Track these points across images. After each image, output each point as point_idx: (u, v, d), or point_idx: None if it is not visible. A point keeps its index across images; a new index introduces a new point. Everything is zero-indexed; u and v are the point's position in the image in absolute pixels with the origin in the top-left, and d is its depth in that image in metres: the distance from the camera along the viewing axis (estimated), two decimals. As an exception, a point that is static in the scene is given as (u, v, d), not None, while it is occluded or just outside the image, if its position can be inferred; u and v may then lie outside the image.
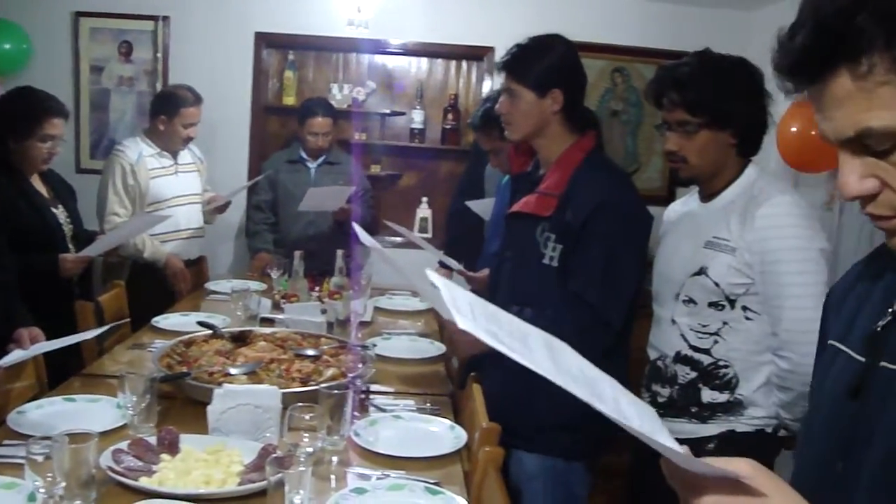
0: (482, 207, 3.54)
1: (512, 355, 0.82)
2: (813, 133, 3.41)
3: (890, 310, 0.93)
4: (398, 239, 4.65)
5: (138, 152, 3.79)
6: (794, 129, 3.45)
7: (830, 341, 1.05)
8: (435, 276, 1.00)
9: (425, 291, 2.50)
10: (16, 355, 2.17)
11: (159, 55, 4.73)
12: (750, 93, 1.93)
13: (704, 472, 0.82)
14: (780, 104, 3.55)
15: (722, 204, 1.97)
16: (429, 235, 4.91)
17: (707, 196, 2.03)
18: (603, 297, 2.05)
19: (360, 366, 2.36)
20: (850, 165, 0.85)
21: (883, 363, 0.91)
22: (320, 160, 4.33)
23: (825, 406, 1.02)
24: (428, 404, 2.32)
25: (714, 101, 1.91)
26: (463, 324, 0.85)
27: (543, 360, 0.87)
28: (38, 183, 3.21)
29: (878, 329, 0.93)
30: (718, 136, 1.93)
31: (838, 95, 0.82)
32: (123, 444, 1.74)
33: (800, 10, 0.85)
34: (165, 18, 4.71)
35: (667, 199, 3.97)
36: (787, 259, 1.83)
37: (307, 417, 1.78)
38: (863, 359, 0.95)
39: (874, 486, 0.90)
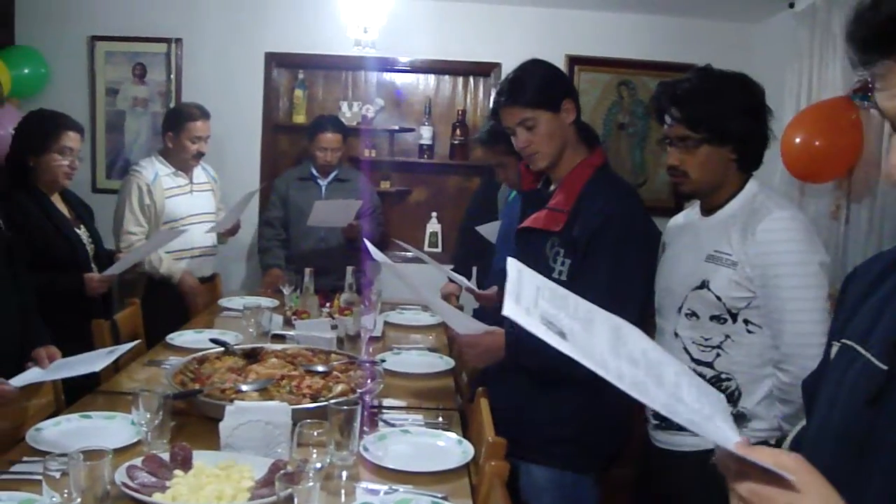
0: (490, 231, 3.57)
1: (556, 344, 0.88)
2: (817, 144, 3.44)
3: None
4: (407, 254, 4.70)
5: (154, 172, 3.87)
6: (797, 141, 3.46)
7: (848, 342, 1.05)
8: (511, 261, 1.07)
9: (436, 305, 2.54)
10: (32, 375, 2.22)
11: (172, 76, 4.82)
12: (750, 108, 1.96)
13: (752, 460, 0.86)
14: (782, 118, 3.59)
15: (723, 218, 1.99)
16: (438, 250, 4.96)
17: (708, 210, 2.06)
18: (609, 311, 2.08)
19: (369, 381, 2.40)
20: None
21: None
22: (331, 177, 4.38)
23: (839, 411, 1.02)
24: (440, 419, 2.35)
25: (714, 117, 1.94)
26: (507, 310, 0.93)
27: (598, 349, 0.92)
28: (59, 203, 3.27)
29: None
30: (719, 151, 1.96)
31: None
32: (137, 461, 1.78)
33: None
34: (178, 40, 4.80)
35: (674, 210, 3.98)
36: (787, 273, 1.85)
37: (316, 433, 1.81)
38: (884, 367, 0.95)
39: (884, 492, 0.91)
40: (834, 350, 1.10)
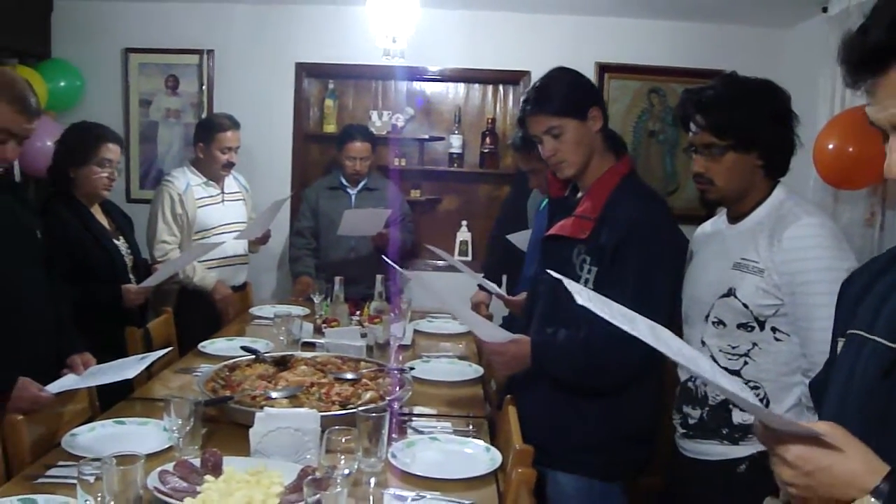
0: (520, 239, 3.57)
1: (624, 327, 1.06)
2: (850, 150, 3.39)
3: None
4: (439, 262, 4.72)
5: (186, 182, 3.93)
6: (831, 147, 3.42)
7: (856, 331, 1.13)
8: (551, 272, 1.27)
9: (461, 314, 2.55)
10: (68, 381, 2.27)
11: (204, 87, 4.89)
12: (776, 114, 1.96)
13: (791, 430, 0.99)
14: (816, 124, 3.55)
15: (750, 225, 1.98)
16: (469, 258, 4.96)
17: (734, 217, 2.05)
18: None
19: (397, 389, 2.41)
20: None
21: None
22: (360, 186, 4.41)
23: (855, 392, 1.10)
24: (471, 426, 2.36)
25: (739, 124, 1.93)
26: (580, 300, 1.13)
27: (648, 336, 1.06)
28: (99, 214, 3.33)
29: None
30: (745, 158, 1.95)
31: None
32: (169, 466, 1.80)
33: (874, 11, 1.00)
34: (210, 52, 4.87)
35: (706, 219, 3.98)
36: (815, 280, 1.82)
37: (344, 440, 1.82)
38: (893, 345, 1.05)
39: None
40: (840, 345, 1.18)
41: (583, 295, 1.13)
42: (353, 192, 4.41)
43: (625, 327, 1.04)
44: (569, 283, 1.19)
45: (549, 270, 1.27)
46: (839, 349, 1.19)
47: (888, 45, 0.98)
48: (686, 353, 1.08)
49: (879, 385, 1.05)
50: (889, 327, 1.07)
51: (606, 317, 1.07)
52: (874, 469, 0.95)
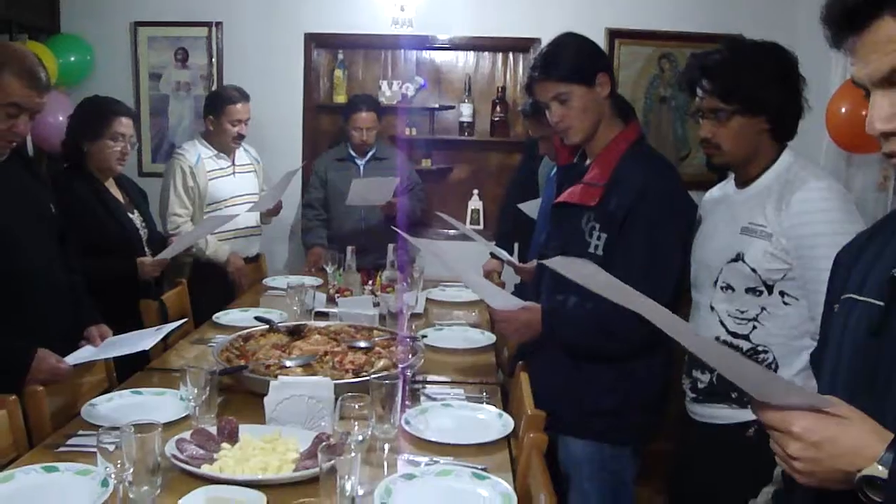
0: (531, 208, 3.57)
1: (614, 299, 1.11)
2: (863, 113, 3.36)
3: None
4: (451, 231, 4.72)
5: (197, 155, 3.94)
6: (843, 111, 3.40)
7: (848, 295, 1.15)
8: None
9: (471, 281, 2.56)
10: (86, 353, 2.30)
11: (214, 60, 4.88)
12: (782, 78, 1.94)
13: (795, 403, 0.99)
14: (829, 88, 3.51)
15: (757, 190, 1.98)
16: (480, 227, 4.97)
17: (742, 182, 2.04)
18: (645, 286, 2.07)
19: (410, 356, 2.44)
20: (880, 104, 1.00)
21: None
22: (368, 156, 4.40)
23: (848, 349, 1.12)
24: (484, 393, 2.38)
25: (745, 88, 1.92)
26: (568, 274, 1.22)
27: (643, 309, 1.08)
28: (113, 188, 3.34)
29: (894, 275, 1.05)
30: (751, 122, 1.94)
31: (879, 39, 0.98)
32: (186, 434, 1.85)
33: None
34: (218, 24, 4.85)
35: (717, 183, 3.96)
36: (824, 244, 1.81)
37: (357, 407, 1.85)
38: (881, 303, 1.06)
39: None
40: (835, 311, 1.20)
41: (570, 269, 1.18)
42: (361, 162, 4.40)
43: (615, 299, 1.07)
44: (552, 263, 1.25)
45: (545, 262, 1.31)
46: (834, 314, 1.21)
47: (870, 1, 0.99)
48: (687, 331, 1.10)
49: (868, 343, 1.06)
50: (878, 286, 1.08)
51: (593, 288, 1.11)
52: (879, 437, 0.95)
